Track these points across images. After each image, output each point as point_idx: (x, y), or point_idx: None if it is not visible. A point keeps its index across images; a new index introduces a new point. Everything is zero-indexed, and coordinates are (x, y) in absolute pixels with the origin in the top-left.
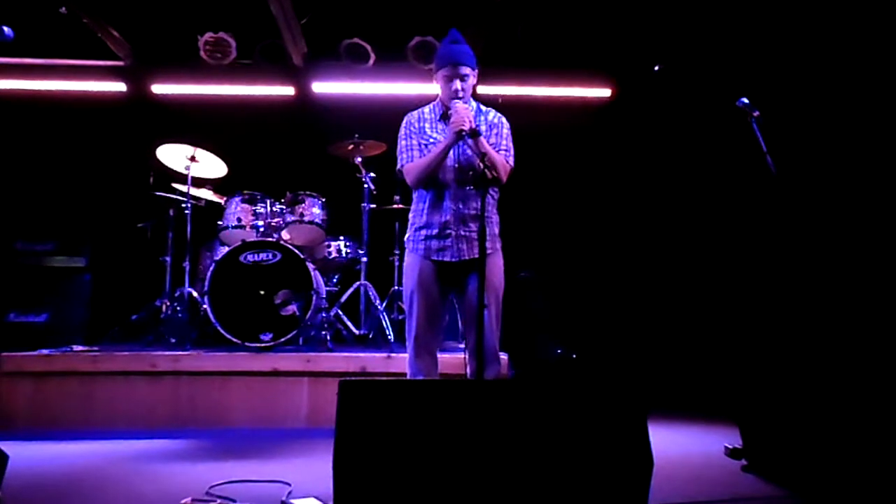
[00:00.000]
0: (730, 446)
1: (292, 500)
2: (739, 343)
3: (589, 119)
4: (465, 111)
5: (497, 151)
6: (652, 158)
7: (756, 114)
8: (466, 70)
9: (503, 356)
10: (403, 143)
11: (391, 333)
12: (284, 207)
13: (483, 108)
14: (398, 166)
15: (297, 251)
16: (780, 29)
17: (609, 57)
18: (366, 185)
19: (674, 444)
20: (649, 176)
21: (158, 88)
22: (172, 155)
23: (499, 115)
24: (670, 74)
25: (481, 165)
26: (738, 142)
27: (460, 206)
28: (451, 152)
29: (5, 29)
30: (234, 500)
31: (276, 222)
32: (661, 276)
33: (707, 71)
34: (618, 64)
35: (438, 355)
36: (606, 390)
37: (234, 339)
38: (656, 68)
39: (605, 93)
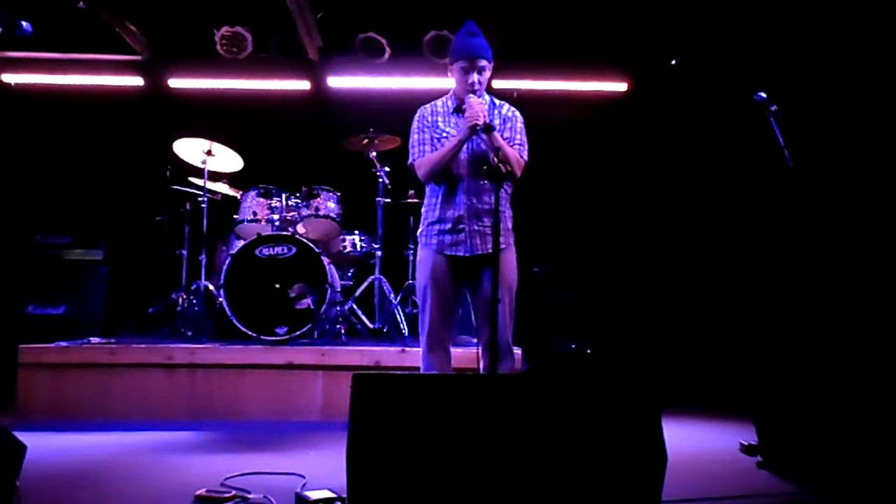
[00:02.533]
0: (745, 443)
1: (306, 493)
2: (756, 339)
3: (605, 113)
4: (479, 106)
5: (511, 146)
6: (668, 153)
7: (774, 108)
8: (483, 62)
9: (517, 351)
10: (416, 136)
11: (405, 327)
12: (300, 201)
13: (497, 101)
14: (410, 160)
15: (312, 245)
16: (797, 22)
17: (625, 51)
18: (380, 180)
19: (688, 440)
20: (666, 170)
21: (175, 83)
22: (189, 149)
23: (513, 108)
24: (687, 68)
25: (495, 160)
26: (756, 137)
27: (474, 201)
28: (465, 146)
29: (24, 23)
30: (248, 492)
31: (291, 216)
32: (675, 271)
33: (724, 65)
34: (634, 58)
35: (451, 350)
36: (620, 385)
37: (250, 333)
38: (673, 62)
39: (622, 87)
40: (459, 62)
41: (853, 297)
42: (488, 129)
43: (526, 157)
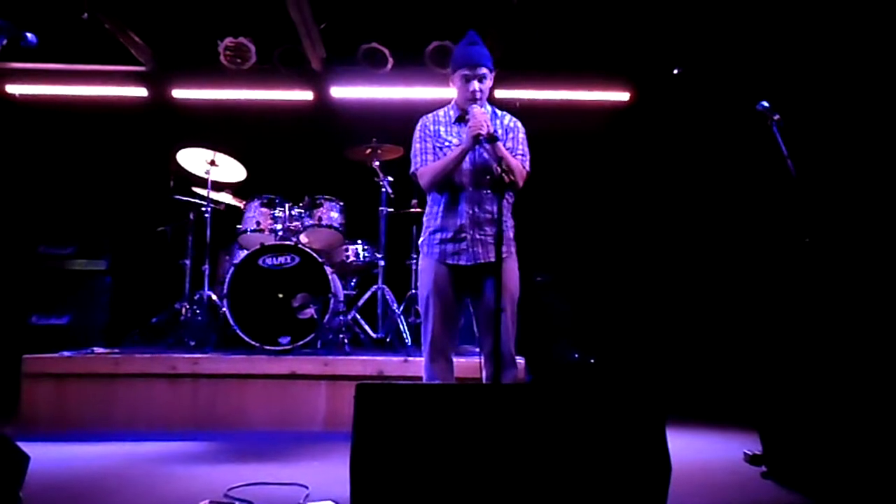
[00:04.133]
0: (749, 452)
1: (310, 503)
2: (760, 348)
3: (608, 123)
4: (482, 115)
5: (513, 156)
6: (671, 162)
7: (776, 117)
8: (484, 71)
9: (520, 360)
10: (418, 145)
11: (408, 337)
12: (303, 211)
13: (499, 112)
14: (412, 169)
15: (315, 255)
16: (800, 32)
17: (628, 60)
18: (383, 189)
19: (692, 450)
20: (668, 180)
21: (179, 93)
22: (192, 159)
23: (514, 119)
24: (690, 78)
25: (498, 169)
26: (758, 145)
27: (476, 210)
28: (468, 156)
29: (29, 35)
30: (251, 503)
31: (294, 226)
32: (679, 281)
33: (727, 74)
34: (637, 67)
35: (454, 359)
36: (624, 395)
37: (253, 342)
38: (675, 72)
39: (624, 96)
40: (461, 70)
41: (857, 306)
42: (492, 139)
43: (528, 167)
